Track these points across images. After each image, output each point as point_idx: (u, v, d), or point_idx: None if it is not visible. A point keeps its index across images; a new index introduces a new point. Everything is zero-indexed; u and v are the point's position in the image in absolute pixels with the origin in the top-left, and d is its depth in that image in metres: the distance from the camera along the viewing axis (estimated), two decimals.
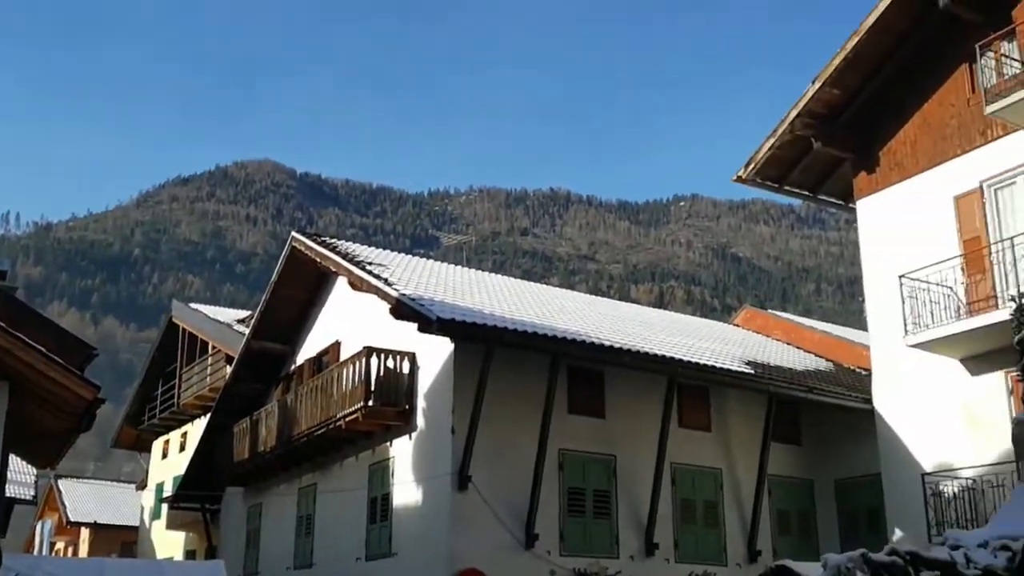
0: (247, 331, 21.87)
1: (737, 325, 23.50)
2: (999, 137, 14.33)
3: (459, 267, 20.83)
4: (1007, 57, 14.19)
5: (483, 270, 22.52)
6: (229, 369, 22.73)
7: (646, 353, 14.62)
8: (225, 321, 25.93)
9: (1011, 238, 13.53)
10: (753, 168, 16.90)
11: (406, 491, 15.50)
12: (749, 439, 16.85)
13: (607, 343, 14.42)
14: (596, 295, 26.10)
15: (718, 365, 15.53)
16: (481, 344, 13.98)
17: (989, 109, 13.61)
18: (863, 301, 17.80)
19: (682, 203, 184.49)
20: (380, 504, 16.14)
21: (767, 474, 16.82)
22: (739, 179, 17.10)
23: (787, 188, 17.53)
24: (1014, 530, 4.64)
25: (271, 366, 21.56)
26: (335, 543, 17.39)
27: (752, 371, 16.07)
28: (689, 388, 16.12)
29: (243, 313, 28.71)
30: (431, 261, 21.21)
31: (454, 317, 13.44)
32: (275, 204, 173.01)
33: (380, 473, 16.32)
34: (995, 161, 14.35)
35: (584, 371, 15.39)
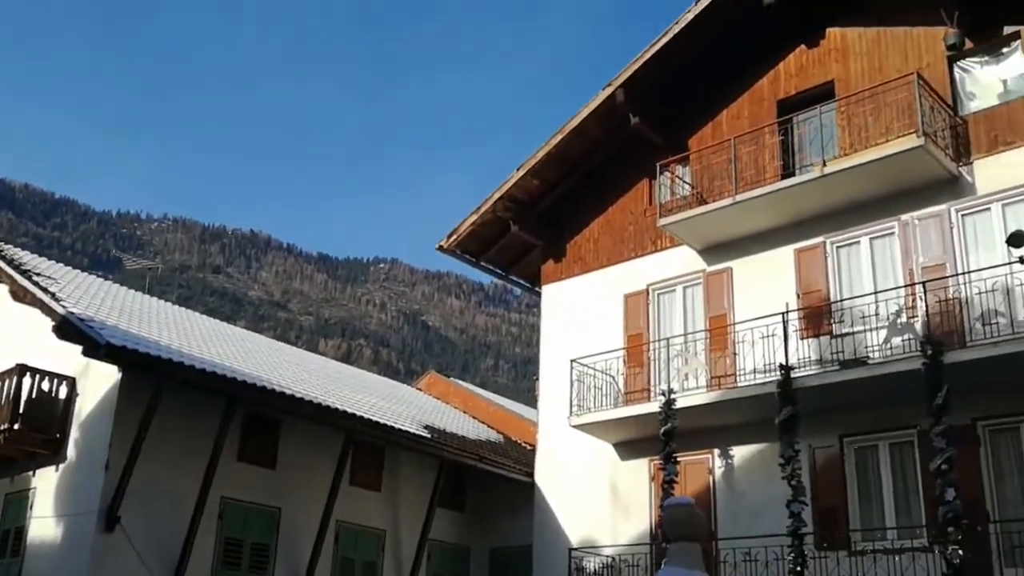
0: None
1: (420, 389, 24.02)
2: (667, 248, 16.07)
3: (141, 294, 19.54)
4: (681, 179, 16.07)
5: (167, 302, 21.28)
6: None
7: (327, 406, 14.51)
8: None
9: (667, 338, 15.13)
10: (455, 239, 17.65)
11: (45, 526, 14.02)
12: (416, 502, 17.13)
13: (288, 392, 14.14)
14: (284, 344, 25.46)
15: (397, 426, 15.74)
16: (152, 377, 13.14)
17: (661, 222, 15.27)
18: (536, 380, 18.97)
19: (382, 265, 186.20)
20: (12, 538, 14.48)
21: (428, 538, 17.14)
22: (441, 248, 17.77)
23: (483, 264, 18.45)
24: None
25: None
26: None
27: (428, 435, 16.45)
28: (365, 446, 16.16)
29: None
30: (110, 283, 19.71)
31: (125, 344, 12.57)
32: None
33: (17, 504, 14.67)
34: (661, 268, 16.06)
35: (260, 418, 14.95)
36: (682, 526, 5.72)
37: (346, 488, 15.67)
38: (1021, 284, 11.78)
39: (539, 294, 18.19)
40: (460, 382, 26.99)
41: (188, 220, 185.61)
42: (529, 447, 19.41)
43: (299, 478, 15.35)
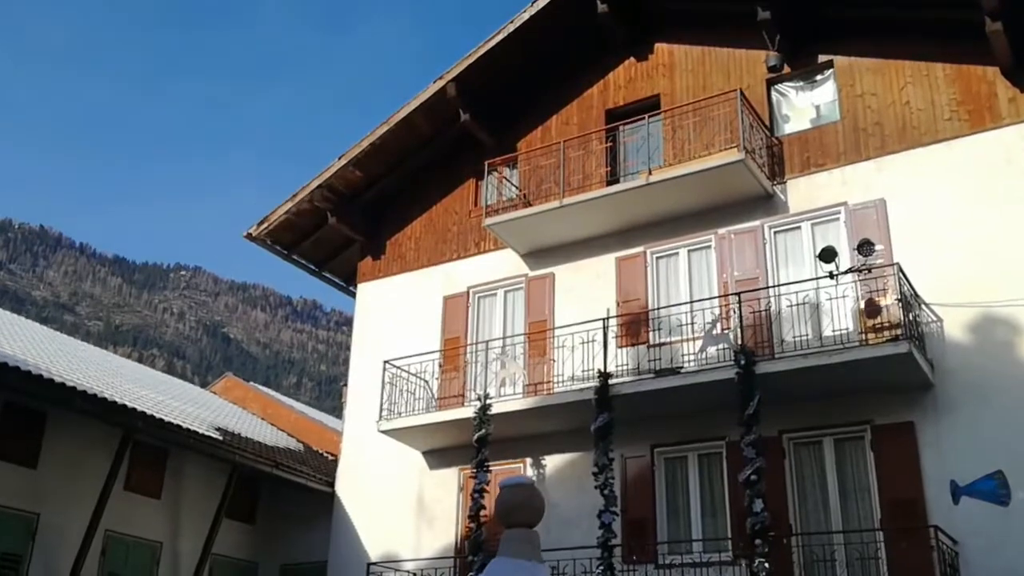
0: None
1: (215, 393, 22.34)
2: (490, 251, 15.61)
3: None
4: (508, 181, 15.68)
5: None
6: None
7: (103, 399, 12.89)
8: None
9: (486, 342, 14.60)
10: (266, 227, 16.47)
11: None
12: (201, 511, 15.61)
13: (57, 379, 12.44)
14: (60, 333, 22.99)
15: (183, 425, 14.27)
16: None
17: (487, 222, 14.79)
18: (343, 386, 18.00)
19: (183, 272, 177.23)
20: None
21: (212, 552, 15.65)
22: (250, 236, 16.53)
23: (296, 257, 17.33)
24: None
25: None
26: None
27: (220, 437, 15.06)
28: (145, 447, 14.57)
29: None
30: None
31: None
32: None
33: None
34: (483, 271, 15.57)
35: (21, 409, 13.13)
36: (521, 510, 4.97)
37: (120, 493, 14.03)
38: (831, 298, 12.05)
39: (353, 293, 17.26)
40: (260, 387, 25.42)
41: None
42: (331, 457, 18.33)
43: (65, 480, 13.59)
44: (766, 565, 10.69)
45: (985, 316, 11.65)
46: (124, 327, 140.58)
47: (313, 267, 17.63)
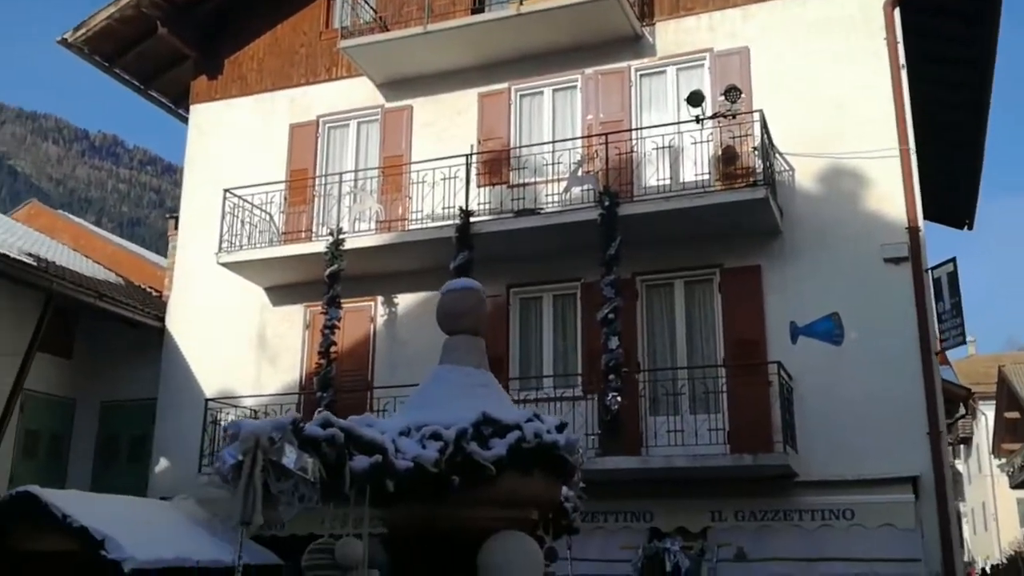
0: None
1: (18, 220, 20.27)
2: (343, 77, 14.67)
3: None
4: (365, 2, 14.60)
5: None
6: None
7: None
8: None
9: (338, 175, 13.86)
10: (84, 34, 14.66)
11: None
12: (10, 344, 14.27)
13: None
14: None
15: None
16: None
17: (342, 44, 13.80)
18: (169, 217, 16.81)
19: None
20: None
21: (24, 387, 14.46)
22: (65, 42, 14.66)
23: (118, 71, 15.60)
24: (440, 417, 4.03)
25: None
26: None
27: (33, 263, 13.69)
28: None
29: None
30: None
31: None
32: None
33: None
34: (335, 99, 14.66)
35: None
36: (468, 316, 4.70)
37: None
38: (694, 143, 12.11)
39: (184, 116, 15.86)
40: (71, 216, 23.39)
41: None
42: (155, 293, 17.22)
43: None
44: (618, 399, 11.03)
45: (833, 167, 12.08)
46: None
47: (138, 83, 15.95)
